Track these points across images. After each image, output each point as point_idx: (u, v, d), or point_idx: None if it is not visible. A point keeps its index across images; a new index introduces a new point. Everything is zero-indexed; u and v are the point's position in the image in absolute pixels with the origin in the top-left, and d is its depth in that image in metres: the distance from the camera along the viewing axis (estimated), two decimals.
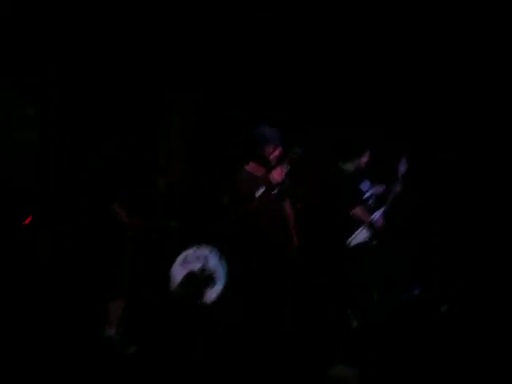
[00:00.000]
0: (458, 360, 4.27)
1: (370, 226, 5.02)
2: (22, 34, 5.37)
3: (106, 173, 4.96)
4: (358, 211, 4.97)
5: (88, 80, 5.76)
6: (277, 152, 4.31)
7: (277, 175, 4.28)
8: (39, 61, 5.54)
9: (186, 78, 6.19)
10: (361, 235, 5.05)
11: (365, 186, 5.14)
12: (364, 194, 5.11)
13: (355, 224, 5.03)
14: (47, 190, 5.44)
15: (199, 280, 5.48)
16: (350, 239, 5.04)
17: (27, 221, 5.16)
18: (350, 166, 5.07)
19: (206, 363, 4.23)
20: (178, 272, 5.43)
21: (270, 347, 4.46)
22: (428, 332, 4.88)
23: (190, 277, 5.47)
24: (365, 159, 5.08)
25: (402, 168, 5.05)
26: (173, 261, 5.43)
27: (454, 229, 5.87)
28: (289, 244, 4.66)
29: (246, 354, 4.45)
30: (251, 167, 4.22)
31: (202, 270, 5.47)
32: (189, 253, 5.49)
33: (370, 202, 5.13)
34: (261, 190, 4.18)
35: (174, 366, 4.20)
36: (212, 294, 5.51)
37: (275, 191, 4.29)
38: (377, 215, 5.08)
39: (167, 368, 4.16)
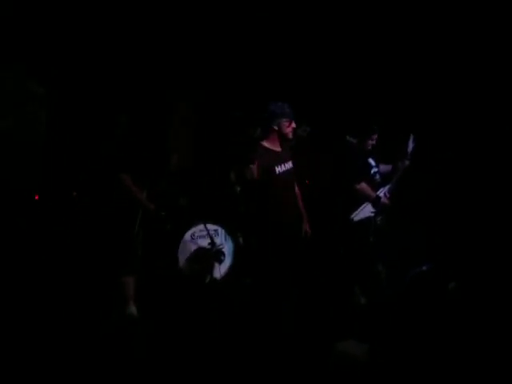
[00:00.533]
0: (468, 338, 4.00)
1: (375, 201, 4.89)
2: (35, 16, 5.60)
3: (116, 154, 5.08)
4: (363, 186, 4.85)
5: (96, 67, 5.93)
6: (292, 126, 4.17)
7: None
8: (51, 46, 5.77)
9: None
10: (365, 210, 4.93)
11: (372, 161, 5.04)
12: (371, 169, 5.01)
13: (360, 199, 4.92)
14: (54, 171, 5.71)
15: (209, 255, 5.58)
16: (353, 214, 4.92)
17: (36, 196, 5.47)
18: (357, 142, 4.98)
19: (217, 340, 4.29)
20: (186, 248, 5.56)
21: (277, 323, 4.47)
22: (436, 309, 4.61)
23: (200, 252, 5.59)
24: (373, 136, 4.94)
25: (410, 146, 4.94)
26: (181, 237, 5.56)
27: (462, 206, 5.54)
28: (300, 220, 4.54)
29: (254, 328, 4.50)
30: (268, 142, 4.18)
31: (211, 245, 5.55)
32: (196, 229, 5.59)
33: (377, 177, 5.03)
34: (279, 164, 4.15)
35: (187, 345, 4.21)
36: (221, 269, 5.60)
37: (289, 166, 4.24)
38: (382, 191, 4.98)
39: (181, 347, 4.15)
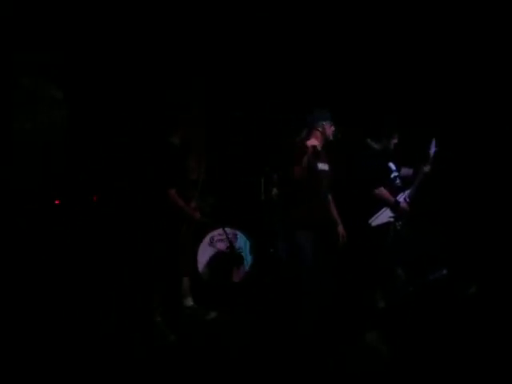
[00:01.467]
0: (486, 342, 4.07)
1: (394, 206, 4.84)
2: (54, 17, 5.63)
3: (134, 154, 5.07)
4: (382, 191, 4.82)
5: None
6: (332, 128, 4.45)
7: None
8: (70, 47, 5.80)
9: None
10: (384, 215, 4.89)
11: (392, 165, 5.00)
12: (391, 173, 4.97)
13: (380, 203, 4.88)
14: (75, 176, 5.73)
15: (228, 260, 5.62)
16: (372, 219, 4.90)
17: (57, 201, 5.49)
18: (379, 145, 4.96)
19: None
20: (206, 252, 5.60)
21: (294, 324, 4.49)
22: (456, 313, 4.67)
23: (219, 256, 5.63)
24: (394, 140, 4.93)
25: (432, 151, 4.87)
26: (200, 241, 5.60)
27: (481, 212, 5.55)
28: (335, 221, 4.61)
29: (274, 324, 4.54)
30: (311, 141, 4.31)
31: (230, 249, 5.59)
32: (215, 233, 5.63)
33: (397, 181, 4.97)
34: (321, 163, 4.37)
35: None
36: (240, 273, 5.64)
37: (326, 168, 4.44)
38: (402, 196, 4.91)
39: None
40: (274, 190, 5.62)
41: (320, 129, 4.39)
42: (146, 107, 5.86)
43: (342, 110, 5.78)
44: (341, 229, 4.49)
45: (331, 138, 4.45)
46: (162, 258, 4.41)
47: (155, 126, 5.51)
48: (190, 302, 4.94)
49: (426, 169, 4.88)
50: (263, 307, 5.05)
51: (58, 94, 5.86)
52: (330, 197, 4.56)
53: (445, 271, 4.99)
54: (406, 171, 5.06)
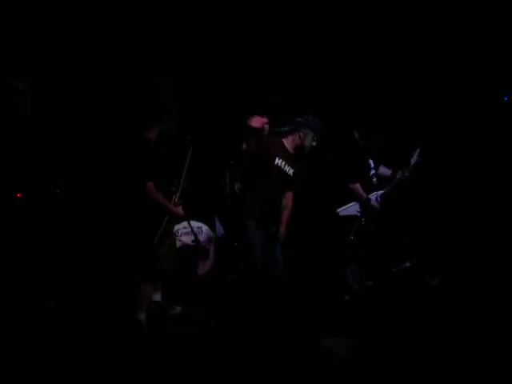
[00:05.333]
0: (448, 334, 4.05)
1: (365, 203, 4.93)
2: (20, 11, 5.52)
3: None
4: (357, 186, 4.90)
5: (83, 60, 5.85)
6: (313, 143, 4.51)
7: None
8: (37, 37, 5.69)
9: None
10: (352, 208, 4.97)
11: (371, 163, 5.05)
12: (370, 170, 5.02)
13: (353, 196, 4.97)
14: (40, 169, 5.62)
15: (193, 252, 5.56)
16: (340, 209, 4.97)
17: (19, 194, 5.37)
18: (364, 140, 5.03)
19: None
20: None
21: (261, 319, 4.46)
22: (419, 305, 4.65)
23: (184, 249, 5.56)
24: (379, 138, 5.02)
25: (414, 158, 4.91)
26: None
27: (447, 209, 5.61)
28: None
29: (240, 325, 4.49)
30: (287, 142, 4.48)
31: (195, 242, 5.53)
32: (180, 226, 5.57)
33: (374, 180, 5.03)
34: (282, 161, 4.41)
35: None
36: (206, 266, 5.59)
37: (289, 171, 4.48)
38: (375, 195, 4.97)
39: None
40: (237, 185, 5.60)
41: (301, 135, 4.41)
42: (117, 101, 5.75)
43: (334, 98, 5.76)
44: (282, 227, 4.48)
45: (306, 150, 4.47)
46: (144, 252, 4.32)
47: (127, 120, 5.41)
48: (158, 296, 4.87)
49: (402, 175, 4.90)
50: (227, 301, 5.00)
51: (22, 85, 5.74)
52: (286, 197, 4.55)
53: (408, 264, 4.99)
54: (384, 170, 5.09)
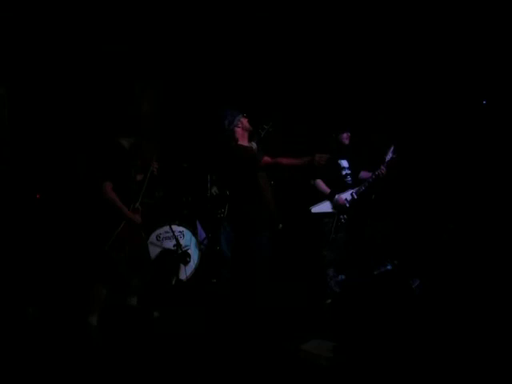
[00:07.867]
0: (431, 336, 4.06)
1: (329, 198, 4.99)
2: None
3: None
4: (318, 182, 5.01)
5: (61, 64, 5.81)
6: (247, 120, 4.59)
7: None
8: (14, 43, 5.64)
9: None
10: (324, 206, 5.01)
11: (345, 163, 5.09)
12: (341, 170, 5.06)
13: (326, 194, 5.01)
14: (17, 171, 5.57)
15: (175, 257, 5.53)
16: (313, 206, 5.02)
17: None
18: (335, 140, 5.10)
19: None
20: (152, 250, 5.48)
21: (243, 320, 4.44)
22: (400, 307, 4.66)
23: (165, 254, 5.53)
24: (346, 136, 5.06)
25: (389, 155, 4.94)
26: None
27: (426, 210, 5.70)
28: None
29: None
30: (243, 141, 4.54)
31: (177, 247, 5.50)
32: (162, 230, 5.54)
33: (348, 179, 5.06)
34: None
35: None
36: (187, 270, 5.56)
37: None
38: (351, 191, 4.99)
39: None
40: (214, 188, 5.61)
41: (240, 126, 4.50)
42: (94, 107, 5.72)
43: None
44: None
45: (251, 128, 4.56)
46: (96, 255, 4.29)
47: (104, 126, 5.38)
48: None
49: (379, 171, 4.93)
50: (208, 306, 4.97)
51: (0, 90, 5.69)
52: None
53: (389, 266, 4.99)
54: (364, 174, 5.13)
